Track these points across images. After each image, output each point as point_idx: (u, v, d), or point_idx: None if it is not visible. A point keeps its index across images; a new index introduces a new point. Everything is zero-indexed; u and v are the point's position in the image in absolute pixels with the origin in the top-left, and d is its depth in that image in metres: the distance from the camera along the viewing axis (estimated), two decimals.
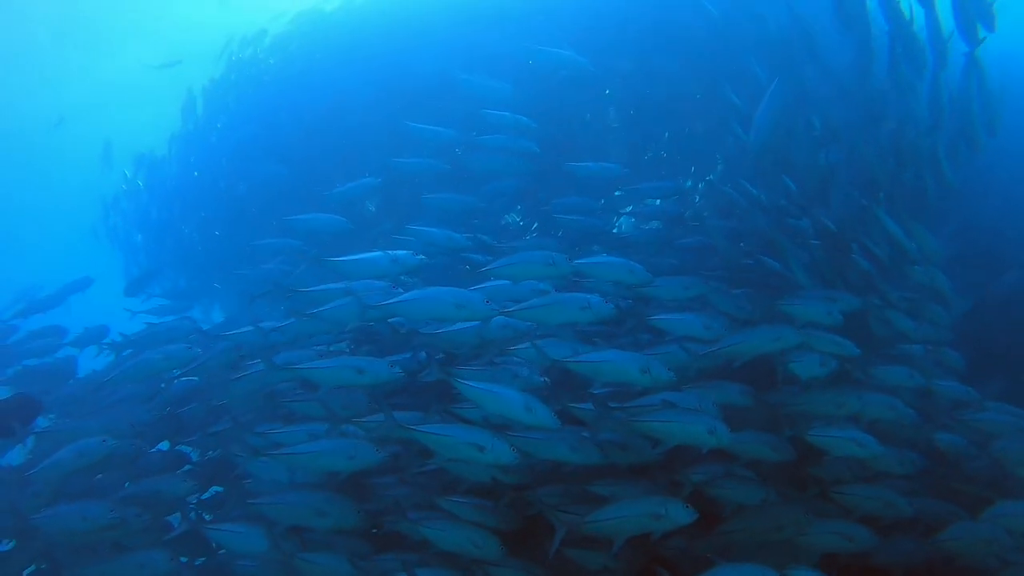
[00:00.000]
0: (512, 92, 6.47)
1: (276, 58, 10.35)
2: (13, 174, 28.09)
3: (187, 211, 11.02)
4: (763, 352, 4.68)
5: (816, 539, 4.35)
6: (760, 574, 3.92)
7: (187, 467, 5.38)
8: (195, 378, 5.52)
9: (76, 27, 24.02)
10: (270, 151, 9.08)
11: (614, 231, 6.50)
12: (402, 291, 4.73)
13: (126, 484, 5.09)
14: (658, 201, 6.64)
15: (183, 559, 4.71)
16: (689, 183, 7.68)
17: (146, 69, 12.08)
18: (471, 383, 4.13)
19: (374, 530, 4.56)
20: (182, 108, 11.99)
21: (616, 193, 6.87)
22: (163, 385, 5.78)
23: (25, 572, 4.97)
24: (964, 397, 5.20)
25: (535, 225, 7.35)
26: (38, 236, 26.62)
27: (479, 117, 6.36)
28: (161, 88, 12.68)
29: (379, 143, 8.03)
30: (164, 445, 5.69)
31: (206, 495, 5.37)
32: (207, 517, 5.16)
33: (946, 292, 5.77)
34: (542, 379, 4.68)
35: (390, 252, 4.89)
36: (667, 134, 7.45)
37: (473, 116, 6.51)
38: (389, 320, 4.99)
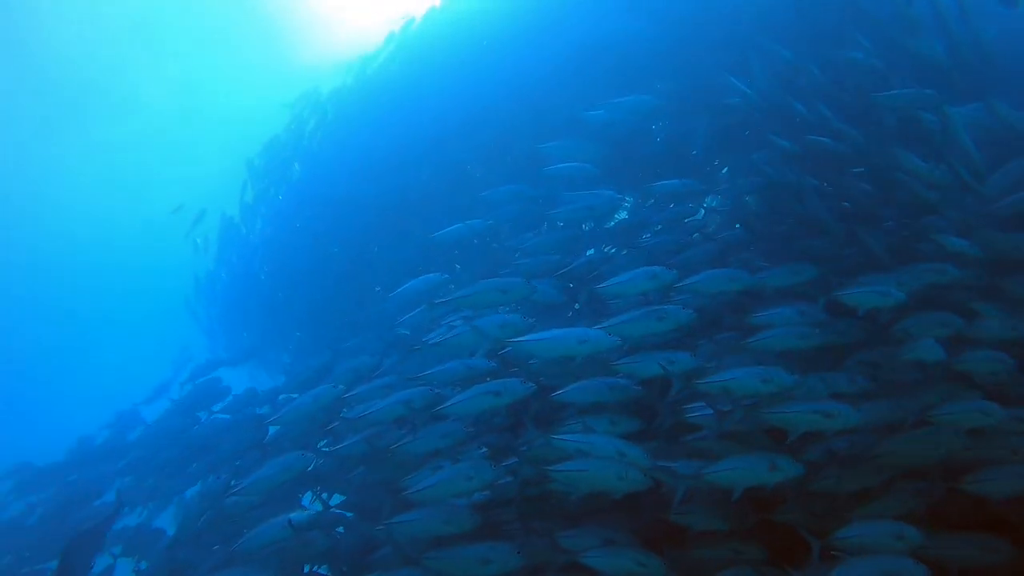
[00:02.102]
0: (598, 150, 6.66)
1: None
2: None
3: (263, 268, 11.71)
4: (871, 307, 4.81)
5: (991, 487, 4.26)
6: (898, 530, 3.93)
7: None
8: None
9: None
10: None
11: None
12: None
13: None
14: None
15: None
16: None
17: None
18: (568, 437, 4.40)
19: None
20: (246, 167, 12.81)
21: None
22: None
23: None
24: None
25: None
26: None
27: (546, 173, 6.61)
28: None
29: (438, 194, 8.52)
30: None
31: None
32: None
33: None
34: (637, 388, 4.84)
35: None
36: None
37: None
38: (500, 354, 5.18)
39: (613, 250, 6.71)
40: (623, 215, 7.31)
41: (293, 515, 5.06)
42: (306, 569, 5.50)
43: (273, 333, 12.04)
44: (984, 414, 4.34)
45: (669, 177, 6.60)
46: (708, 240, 6.14)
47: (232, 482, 5.57)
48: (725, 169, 6.83)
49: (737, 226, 6.49)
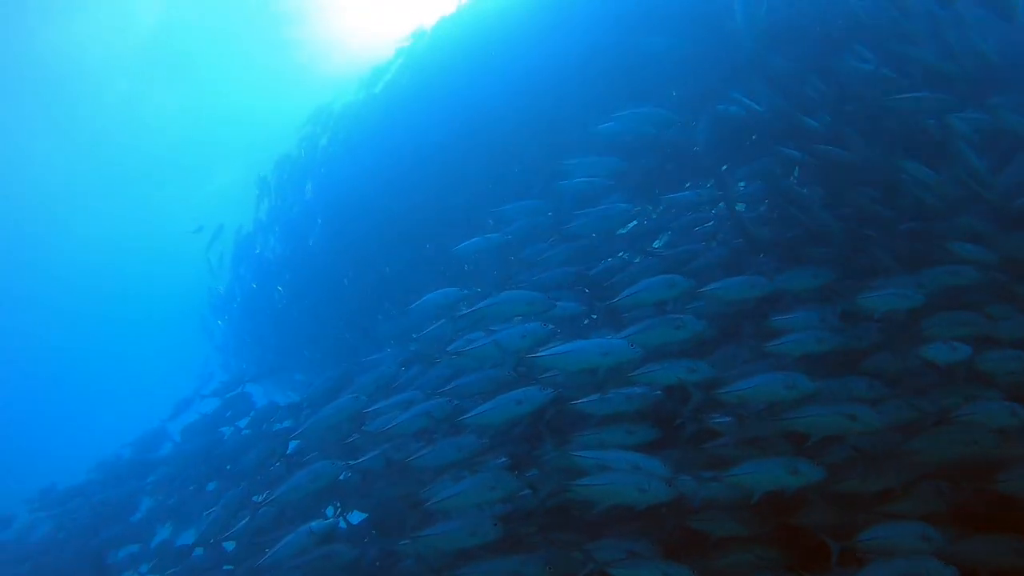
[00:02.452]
0: (618, 165, 6.58)
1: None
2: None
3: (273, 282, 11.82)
4: (891, 309, 4.80)
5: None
6: (922, 531, 3.92)
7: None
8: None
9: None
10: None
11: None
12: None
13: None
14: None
15: None
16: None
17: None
18: (585, 454, 4.42)
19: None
20: (258, 184, 13.00)
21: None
22: None
23: None
24: None
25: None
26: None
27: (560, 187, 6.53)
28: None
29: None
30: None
31: None
32: None
33: None
34: (657, 393, 4.84)
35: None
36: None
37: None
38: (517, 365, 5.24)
39: (627, 255, 6.71)
40: (632, 222, 7.33)
41: (314, 524, 5.11)
42: None
43: (287, 350, 12.13)
44: (1014, 415, 4.30)
45: (674, 177, 6.55)
46: (721, 246, 6.14)
47: (255, 497, 5.63)
48: (742, 184, 6.82)
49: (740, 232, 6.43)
